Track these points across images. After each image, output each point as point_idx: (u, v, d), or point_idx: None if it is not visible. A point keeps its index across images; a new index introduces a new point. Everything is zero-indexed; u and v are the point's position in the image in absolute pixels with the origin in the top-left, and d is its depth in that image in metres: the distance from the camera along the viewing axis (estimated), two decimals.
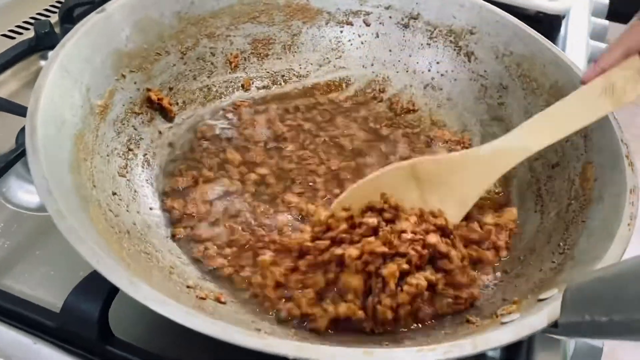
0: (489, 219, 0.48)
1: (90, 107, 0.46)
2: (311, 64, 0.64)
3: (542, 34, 0.56)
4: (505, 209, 0.50)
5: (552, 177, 0.50)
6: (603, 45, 0.75)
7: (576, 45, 0.72)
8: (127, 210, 0.44)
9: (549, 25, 0.73)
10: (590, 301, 0.30)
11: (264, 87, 0.62)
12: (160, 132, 0.53)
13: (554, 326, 0.33)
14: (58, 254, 0.45)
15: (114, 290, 0.37)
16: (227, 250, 0.45)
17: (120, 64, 0.51)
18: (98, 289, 0.37)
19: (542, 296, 0.36)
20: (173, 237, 0.46)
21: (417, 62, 0.63)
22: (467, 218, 0.47)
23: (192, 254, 0.45)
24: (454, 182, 0.46)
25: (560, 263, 0.41)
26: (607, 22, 0.80)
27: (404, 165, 0.46)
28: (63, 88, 0.44)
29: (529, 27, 0.56)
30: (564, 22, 0.76)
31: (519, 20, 0.57)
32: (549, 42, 0.55)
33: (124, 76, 0.51)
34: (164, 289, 0.36)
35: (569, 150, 0.50)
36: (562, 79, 0.52)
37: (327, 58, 0.64)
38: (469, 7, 0.59)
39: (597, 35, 0.78)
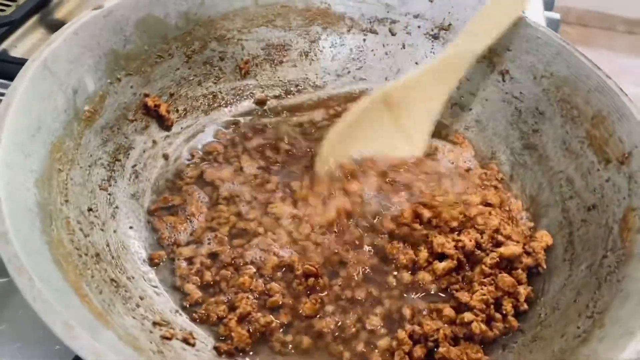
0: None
1: (76, 112, 0.43)
2: (329, 73, 0.58)
3: None
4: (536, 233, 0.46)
5: (587, 222, 0.44)
6: (556, 15, 0.78)
7: (534, 17, 0.68)
8: (102, 229, 0.40)
9: None
10: None
11: (275, 97, 0.57)
12: (154, 142, 0.49)
13: None
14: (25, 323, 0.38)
15: None
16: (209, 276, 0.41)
17: (115, 66, 0.47)
18: None
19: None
20: (151, 261, 0.42)
21: None
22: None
23: (171, 282, 0.41)
24: (420, 98, 0.48)
25: (586, 330, 0.35)
26: None
27: (376, 96, 0.47)
28: (44, 90, 0.40)
29: (574, 48, 0.50)
30: None
31: (563, 39, 0.51)
32: (595, 65, 0.48)
33: (119, 79, 0.47)
34: (122, 329, 0.32)
35: (609, 191, 0.43)
36: (607, 108, 0.46)
37: (347, 68, 0.59)
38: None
39: (546, 5, 0.80)
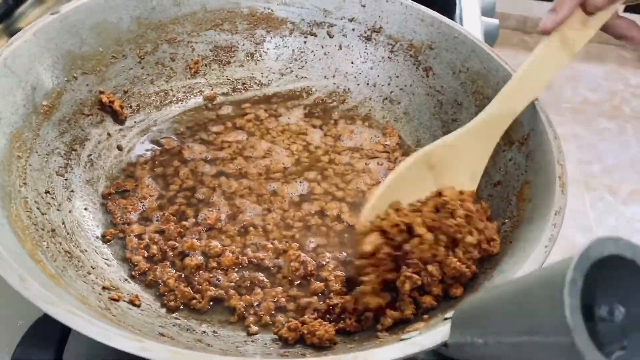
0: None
1: (34, 107, 0.48)
2: (273, 72, 0.64)
3: (438, 7, 0.59)
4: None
5: (493, 196, 0.50)
6: (495, 21, 0.80)
7: (471, 21, 0.75)
8: (58, 209, 0.45)
9: (444, 4, 0.74)
10: (471, 323, 0.30)
11: (223, 94, 0.62)
12: (109, 134, 0.54)
13: (445, 346, 0.32)
14: None
15: (65, 334, 0.36)
16: (155, 249, 0.46)
17: (72, 65, 0.52)
18: (48, 336, 0.36)
19: (447, 315, 0.36)
20: (104, 237, 0.46)
21: (378, 75, 0.63)
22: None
23: (121, 255, 0.45)
24: (462, 159, 0.47)
25: (478, 283, 0.41)
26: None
27: (418, 156, 0.46)
28: (4, 86, 0.45)
29: (486, 45, 0.56)
30: (457, 1, 0.78)
31: (477, 37, 0.57)
32: (503, 59, 0.54)
33: (75, 78, 0.52)
34: (73, 289, 0.37)
35: (512, 169, 0.49)
36: None
37: (290, 68, 0.64)
38: (428, 22, 0.59)
39: (487, 11, 0.83)
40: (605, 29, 0.48)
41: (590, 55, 2.35)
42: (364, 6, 0.62)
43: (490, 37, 0.82)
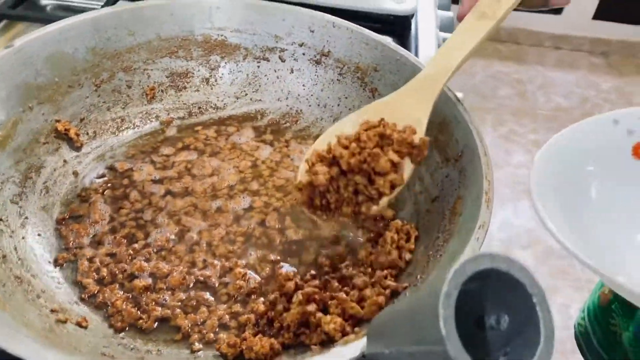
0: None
1: None
2: (228, 96, 0.67)
3: (395, 35, 0.65)
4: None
5: (430, 211, 0.52)
6: (449, 14, 0.84)
7: (427, 39, 0.77)
8: (11, 236, 0.47)
9: (400, 25, 0.78)
10: (380, 334, 0.32)
11: (179, 118, 0.65)
12: (65, 161, 0.56)
13: (363, 356, 0.35)
14: None
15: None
16: (105, 272, 0.48)
17: (28, 96, 0.54)
18: None
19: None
20: (56, 261, 0.48)
21: (328, 97, 0.65)
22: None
23: (72, 279, 0.47)
24: (400, 114, 0.50)
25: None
26: (452, 13, 0.87)
27: (353, 115, 0.51)
28: None
29: (422, 63, 0.59)
30: (413, 20, 0.80)
31: (418, 60, 0.60)
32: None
33: (31, 108, 0.54)
34: (19, 313, 0.39)
35: (447, 185, 0.52)
36: (449, 115, 0.54)
37: (244, 91, 0.67)
38: (373, 46, 0.62)
39: (445, 27, 0.84)
40: None
41: (562, 63, 2.41)
42: (312, 32, 0.65)
43: (448, 29, 0.85)
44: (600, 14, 2.32)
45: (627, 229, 0.45)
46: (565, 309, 1.55)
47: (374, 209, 0.46)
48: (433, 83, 0.51)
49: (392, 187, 0.46)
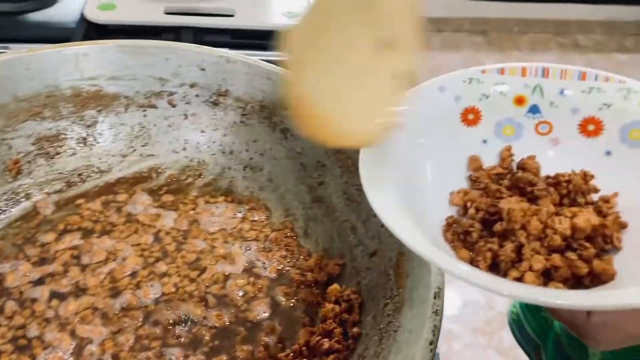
0: None
1: None
2: (113, 155, 0.56)
3: None
4: None
5: (371, 269, 0.46)
6: None
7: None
8: None
9: None
10: None
11: (56, 192, 0.53)
12: None
13: None
14: None
15: None
16: None
17: None
18: None
19: None
20: None
21: (234, 142, 0.57)
22: None
23: None
24: None
25: None
26: None
27: None
28: None
29: None
30: None
31: None
32: None
33: None
34: None
35: (385, 237, 0.46)
36: None
37: (132, 147, 0.57)
38: (276, 80, 0.55)
39: None
40: None
41: (447, 45, 2.47)
42: (203, 70, 0.56)
43: None
44: None
45: None
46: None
47: None
48: None
49: None
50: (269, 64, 0.55)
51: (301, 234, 0.53)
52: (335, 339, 0.42)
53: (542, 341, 0.67)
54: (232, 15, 0.76)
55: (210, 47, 0.56)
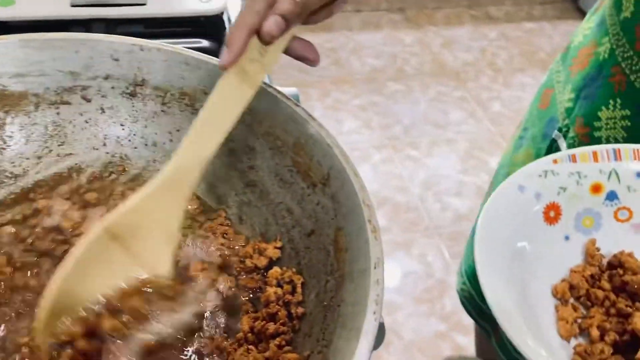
0: None
1: None
2: (27, 158, 0.53)
3: (208, 34, 0.61)
4: None
5: (310, 248, 0.46)
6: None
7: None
8: None
9: (212, 26, 0.74)
10: None
11: None
12: None
13: None
14: None
15: None
16: None
17: None
18: None
19: None
20: None
21: (156, 133, 0.55)
22: None
23: None
24: (153, 220, 0.42)
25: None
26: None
27: (96, 235, 0.40)
28: None
29: (265, 83, 0.51)
30: (225, 18, 0.76)
31: None
32: (285, 95, 0.50)
33: None
34: None
35: (321, 214, 0.46)
36: (302, 135, 0.48)
37: (47, 147, 0.54)
38: (195, 66, 0.53)
39: None
40: (284, 51, 0.46)
41: (367, 24, 2.49)
42: (117, 60, 0.53)
43: None
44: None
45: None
46: (423, 259, 1.63)
47: None
48: (186, 177, 0.43)
49: None
50: (186, 50, 0.53)
51: (236, 220, 0.52)
52: (280, 321, 0.42)
53: None
54: (143, 4, 0.72)
55: (121, 36, 0.53)
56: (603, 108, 0.49)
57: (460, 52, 2.36)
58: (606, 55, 0.50)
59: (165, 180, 0.42)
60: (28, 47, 0.51)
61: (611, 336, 0.35)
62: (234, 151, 0.53)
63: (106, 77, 0.54)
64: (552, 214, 0.39)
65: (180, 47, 0.53)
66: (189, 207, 0.52)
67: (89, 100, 0.54)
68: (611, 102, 0.48)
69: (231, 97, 0.44)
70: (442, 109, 2.10)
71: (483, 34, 2.46)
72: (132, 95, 0.55)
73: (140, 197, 0.41)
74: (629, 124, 0.47)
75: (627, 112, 0.47)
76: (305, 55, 0.47)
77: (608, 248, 0.39)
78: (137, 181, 0.54)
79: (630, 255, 0.38)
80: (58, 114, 0.54)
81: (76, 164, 0.54)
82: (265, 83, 0.51)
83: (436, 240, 1.68)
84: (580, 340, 0.36)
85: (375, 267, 0.38)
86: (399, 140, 1.98)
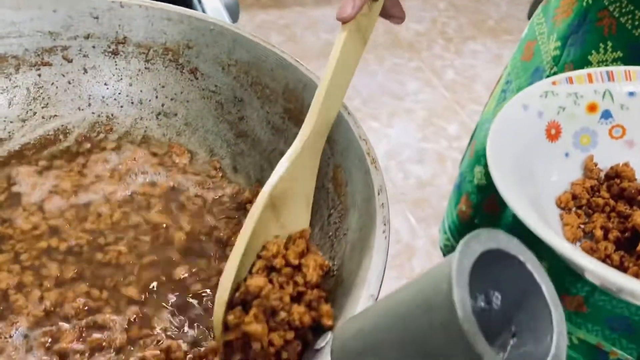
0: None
1: None
2: (11, 122, 0.52)
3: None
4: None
5: None
6: None
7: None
8: None
9: None
10: (354, 357, 0.28)
11: None
12: None
13: None
14: None
15: None
16: None
17: None
18: None
19: (318, 345, 0.33)
20: None
21: (141, 90, 0.55)
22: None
23: None
24: (296, 187, 0.42)
25: (331, 290, 0.39)
26: None
27: (263, 203, 0.38)
28: None
29: (248, 32, 0.52)
30: None
31: (235, 26, 0.53)
32: (270, 43, 0.51)
33: None
34: None
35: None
36: (291, 80, 0.49)
37: (31, 110, 0.53)
38: (177, 20, 0.53)
39: None
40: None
41: (319, 0, 2.49)
42: (96, 18, 0.53)
43: (233, 12, 0.79)
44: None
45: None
46: (406, 222, 1.67)
47: None
48: (320, 138, 0.43)
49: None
50: (167, 4, 0.53)
51: (229, 170, 0.53)
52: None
53: None
54: None
55: None
56: (593, 52, 0.50)
57: (412, 23, 2.40)
58: (590, 1, 0.52)
59: (307, 142, 0.42)
60: (3, 7, 0.50)
61: (614, 233, 0.38)
62: (222, 104, 0.54)
63: (87, 37, 0.53)
64: (553, 131, 0.41)
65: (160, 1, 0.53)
66: (179, 160, 0.53)
67: (70, 61, 0.54)
68: (601, 45, 0.50)
69: (352, 52, 0.42)
70: (399, 79, 2.14)
71: (433, 4, 2.51)
72: (115, 53, 0.54)
73: (292, 160, 0.40)
74: (622, 65, 0.49)
75: (620, 53, 0.49)
76: (394, 13, 0.46)
77: (604, 164, 0.41)
78: (124, 139, 0.54)
79: (626, 164, 0.41)
80: (39, 75, 0.53)
81: (62, 125, 0.53)
82: (248, 33, 0.52)
83: (402, 207, 1.72)
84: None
85: (379, 193, 0.40)
86: (359, 112, 2.01)
